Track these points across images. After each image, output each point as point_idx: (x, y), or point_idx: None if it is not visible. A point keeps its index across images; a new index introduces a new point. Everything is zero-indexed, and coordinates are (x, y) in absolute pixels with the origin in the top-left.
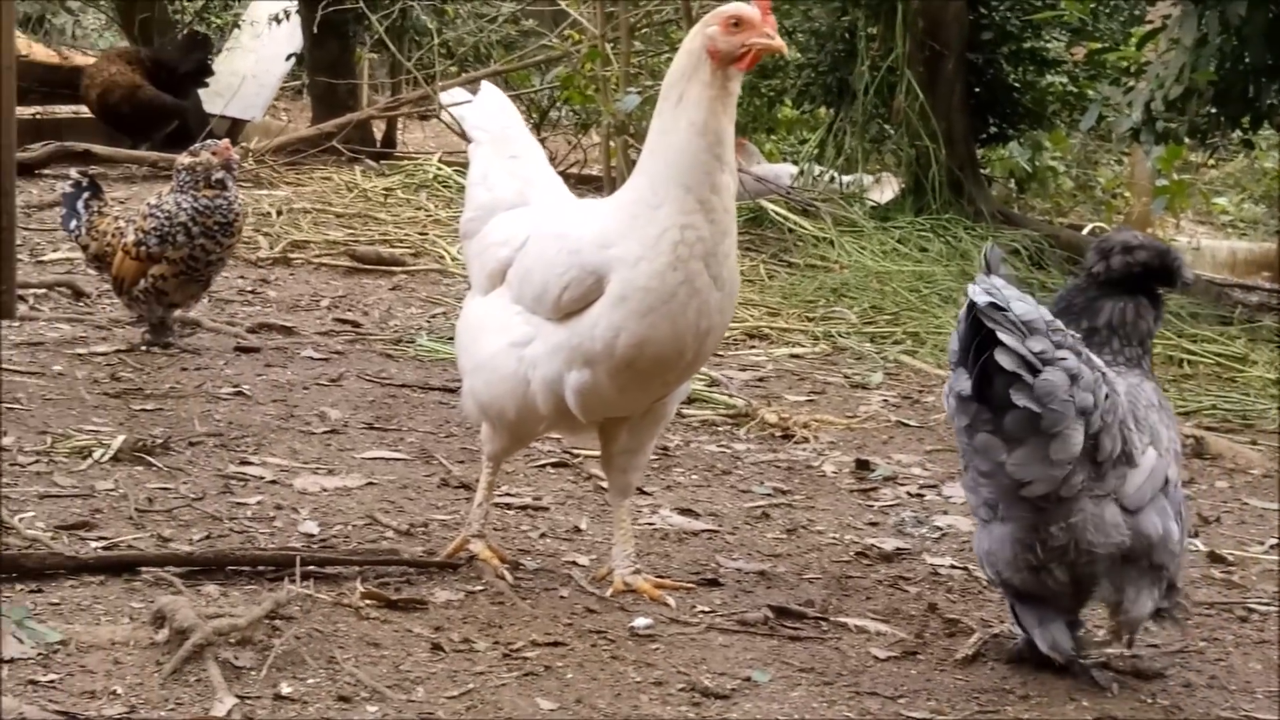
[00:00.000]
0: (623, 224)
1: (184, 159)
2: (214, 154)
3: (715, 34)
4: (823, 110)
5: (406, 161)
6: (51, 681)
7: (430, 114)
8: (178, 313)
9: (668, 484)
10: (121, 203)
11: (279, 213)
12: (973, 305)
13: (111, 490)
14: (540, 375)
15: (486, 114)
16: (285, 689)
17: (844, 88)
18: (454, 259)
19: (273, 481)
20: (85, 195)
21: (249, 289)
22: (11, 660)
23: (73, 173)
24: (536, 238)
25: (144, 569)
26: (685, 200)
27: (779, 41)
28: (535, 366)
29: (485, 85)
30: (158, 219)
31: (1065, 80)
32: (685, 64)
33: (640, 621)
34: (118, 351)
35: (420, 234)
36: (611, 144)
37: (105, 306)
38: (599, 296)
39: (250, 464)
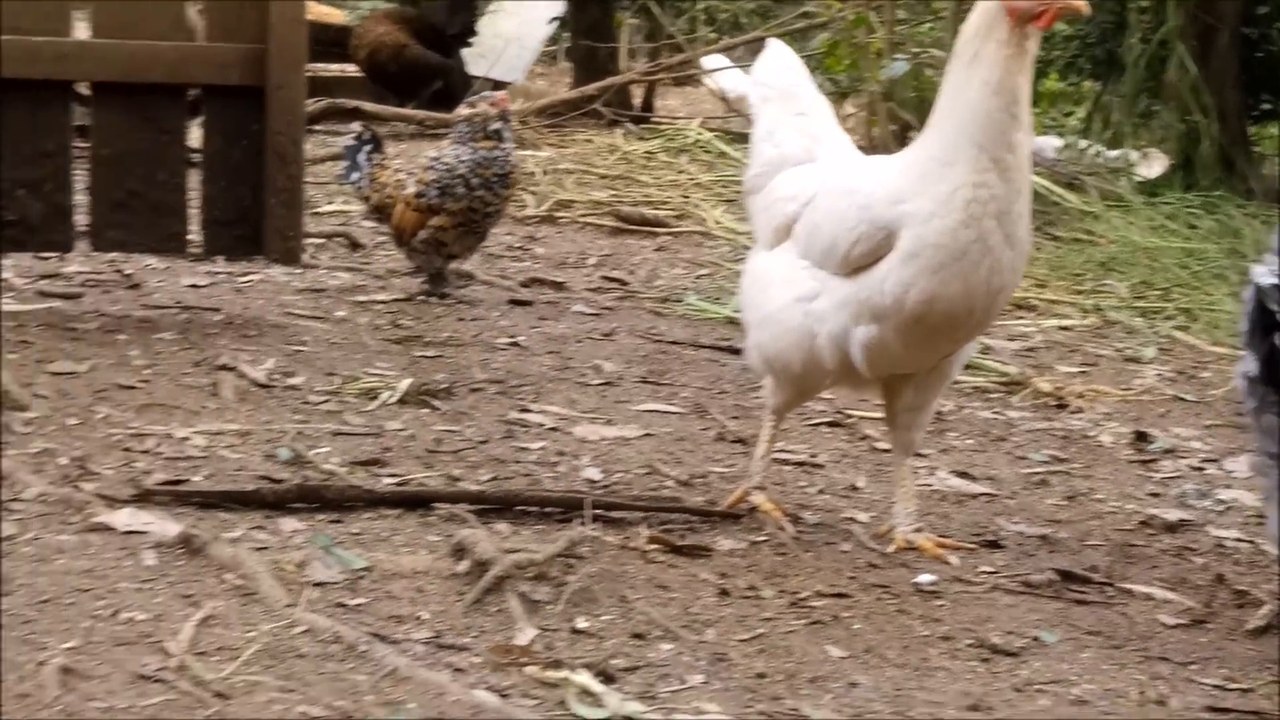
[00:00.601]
0: (914, 180)
1: (463, 110)
2: (492, 105)
3: None
4: (1088, 83)
5: (665, 126)
6: (359, 605)
7: (690, 79)
8: (454, 264)
9: (943, 447)
10: (393, 158)
11: (544, 172)
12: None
13: (400, 430)
14: (827, 330)
15: (773, 71)
16: (581, 623)
17: (1112, 60)
18: (717, 222)
19: (553, 429)
20: (367, 148)
21: (517, 245)
22: (321, 584)
23: (354, 126)
24: (825, 193)
25: (437, 505)
26: (979, 158)
27: (1081, 1)
28: (822, 321)
29: (772, 43)
30: (438, 171)
31: None
32: (980, 21)
33: (924, 578)
34: (396, 300)
35: (682, 197)
36: (874, 113)
37: (380, 258)
38: (888, 252)
39: (530, 411)
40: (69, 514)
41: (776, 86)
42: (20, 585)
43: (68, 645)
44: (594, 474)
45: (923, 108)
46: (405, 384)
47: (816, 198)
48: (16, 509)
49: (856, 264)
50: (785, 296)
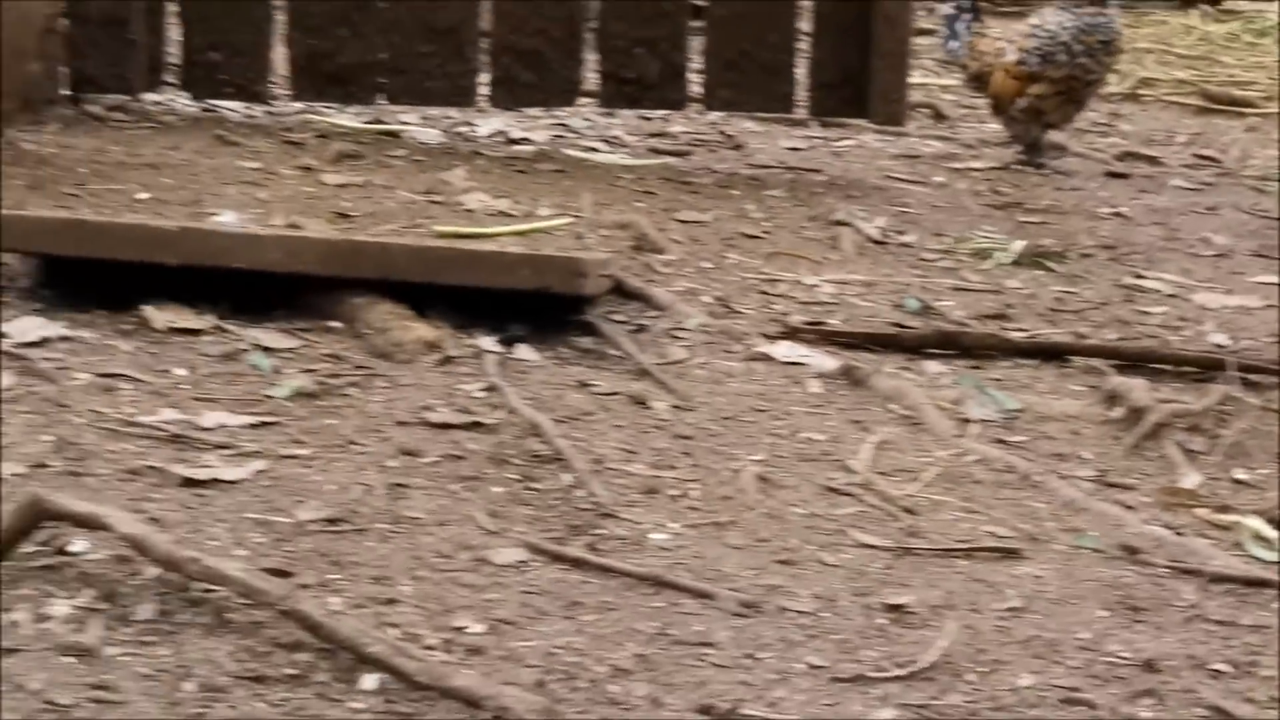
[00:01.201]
0: None
1: None
2: None
3: None
4: None
5: (1244, 9)
6: (1019, 442)
7: None
8: (1050, 134)
9: None
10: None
11: (1122, 51)
12: None
13: (1019, 289)
14: None
15: None
16: (1239, 474)
17: None
18: None
19: (1171, 295)
20: (966, 17)
21: (1101, 121)
22: (981, 420)
23: None
24: None
25: (1073, 357)
26: None
27: None
28: None
29: None
30: (1039, 38)
31: None
32: None
33: None
34: (991, 169)
35: (1269, 79)
36: None
37: (965, 128)
38: None
39: (1144, 278)
40: (730, 343)
41: None
42: (701, 403)
43: (755, 458)
44: (1221, 339)
45: None
46: (1018, 245)
47: None
48: (682, 336)
49: None
50: None
